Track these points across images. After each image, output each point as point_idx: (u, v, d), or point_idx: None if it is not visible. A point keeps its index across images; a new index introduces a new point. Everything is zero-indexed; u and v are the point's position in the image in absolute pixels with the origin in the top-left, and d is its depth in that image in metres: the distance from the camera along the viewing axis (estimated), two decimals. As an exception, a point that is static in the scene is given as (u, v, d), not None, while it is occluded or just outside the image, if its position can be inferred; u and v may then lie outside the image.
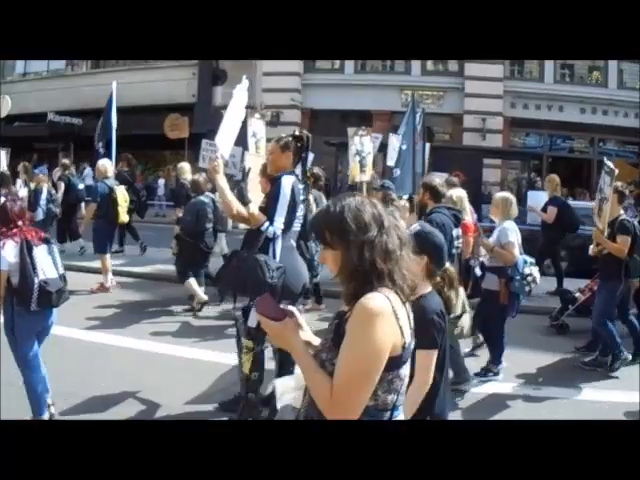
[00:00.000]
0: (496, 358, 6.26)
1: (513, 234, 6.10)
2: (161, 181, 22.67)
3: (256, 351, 4.76)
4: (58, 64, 25.62)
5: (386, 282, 1.98)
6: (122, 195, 9.68)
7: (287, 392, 2.26)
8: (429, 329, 2.87)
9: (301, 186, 5.03)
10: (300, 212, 5.02)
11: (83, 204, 11.90)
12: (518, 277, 6.00)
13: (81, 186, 12.53)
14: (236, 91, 5.84)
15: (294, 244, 5.07)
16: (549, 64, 20.70)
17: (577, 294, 8.04)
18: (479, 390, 6.01)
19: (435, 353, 2.90)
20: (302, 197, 5.07)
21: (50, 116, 22.49)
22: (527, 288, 6.10)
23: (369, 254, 1.98)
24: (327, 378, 1.96)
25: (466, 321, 5.45)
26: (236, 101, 5.83)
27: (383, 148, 11.33)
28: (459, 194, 6.62)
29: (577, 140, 21.74)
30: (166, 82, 20.93)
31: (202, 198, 8.39)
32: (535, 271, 6.14)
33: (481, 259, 6.43)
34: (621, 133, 20.73)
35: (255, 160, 7.08)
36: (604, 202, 6.46)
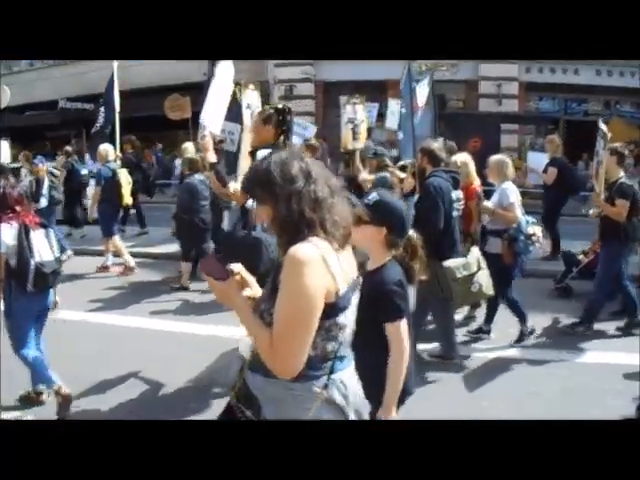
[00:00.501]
0: (522, 318, 6.34)
1: (513, 195, 6.17)
2: (177, 161, 22.46)
3: None
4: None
5: (317, 231, 2.03)
6: (125, 178, 9.79)
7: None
8: (392, 299, 2.82)
9: None
10: None
11: (88, 189, 12.00)
12: (522, 237, 6.06)
13: (84, 171, 12.67)
14: (219, 68, 5.80)
15: None
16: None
17: (580, 256, 8.04)
18: (481, 354, 6.07)
19: (403, 322, 2.83)
20: None
21: (61, 103, 22.43)
22: (531, 248, 6.18)
23: (297, 204, 2.03)
24: (266, 329, 2.03)
25: (483, 278, 5.62)
26: (220, 78, 5.79)
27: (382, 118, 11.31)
28: (463, 159, 6.70)
29: (592, 103, 21.36)
30: (176, 62, 20.68)
31: (197, 176, 8.48)
32: (538, 230, 6.24)
33: (482, 223, 6.47)
34: (638, 94, 20.30)
35: (248, 134, 7.04)
36: (600, 165, 6.46)
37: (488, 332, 6.46)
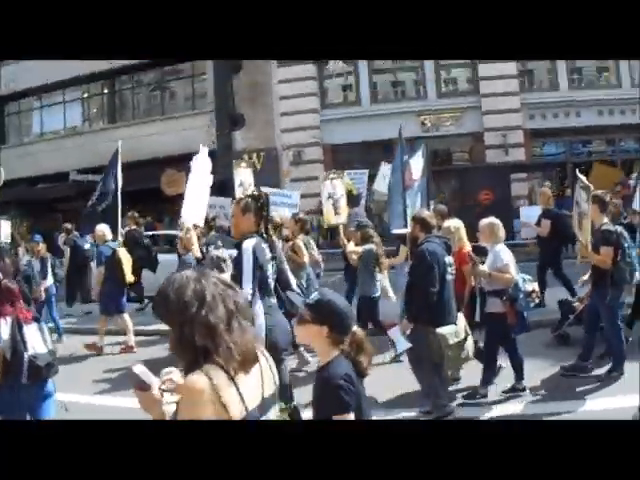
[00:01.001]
0: (519, 373, 6.47)
1: (506, 255, 6.32)
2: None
3: (290, 409, 4.77)
4: (74, 121, 25.86)
5: (212, 358, 2.03)
6: (125, 256, 9.88)
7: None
8: (337, 393, 2.81)
9: (264, 245, 5.03)
10: (271, 270, 5.07)
11: (93, 264, 12.07)
12: (522, 296, 6.20)
13: (87, 246, 12.74)
14: (194, 161, 5.96)
15: (275, 302, 5.13)
16: (561, 72, 20.50)
17: (576, 303, 8.08)
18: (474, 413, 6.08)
19: (350, 417, 2.82)
20: (269, 255, 5.08)
21: (72, 175, 22.60)
22: (532, 304, 6.34)
23: (189, 331, 2.02)
24: None
25: (470, 344, 5.94)
26: (196, 171, 5.93)
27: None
28: (456, 224, 7.07)
29: (595, 143, 21.48)
30: (184, 131, 20.99)
31: (189, 256, 8.48)
32: (535, 286, 6.45)
33: (479, 285, 6.62)
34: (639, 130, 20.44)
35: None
36: (583, 217, 6.60)
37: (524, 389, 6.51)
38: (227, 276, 5.23)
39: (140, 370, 2.27)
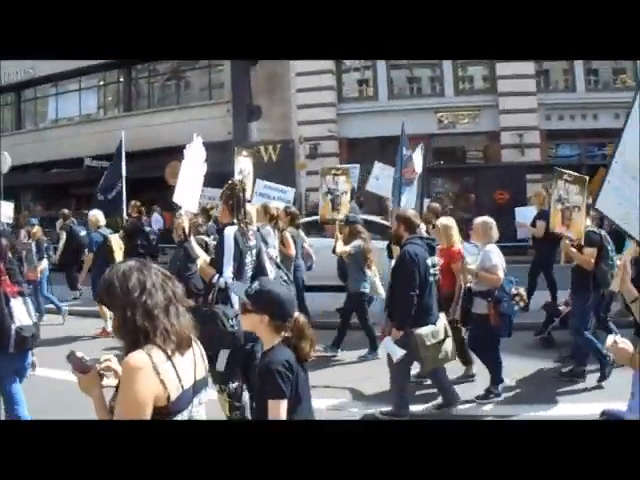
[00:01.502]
0: (496, 379, 6.39)
1: (496, 256, 6.29)
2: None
3: (229, 391, 4.92)
4: (89, 108, 25.96)
5: (152, 339, 2.24)
6: (117, 243, 9.96)
7: None
8: (273, 379, 2.96)
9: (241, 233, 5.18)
10: (250, 258, 5.20)
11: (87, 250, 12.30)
12: (506, 298, 6.20)
13: (82, 233, 12.87)
14: (188, 149, 6.02)
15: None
16: (578, 73, 20.43)
17: (561, 307, 8.11)
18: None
19: (283, 402, 2.96)
20: (250, 242, 5.23)
21: (87, 161, 22.68)
22: (516, 307, 6.32)
23: (131, 314, 2.25)
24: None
25: (449, 345, 5.92)
26: (190, 159, 5.99)
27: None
28: (445, 222, 7.01)
29: (609, 146, 21.34)
30: (199, 121, 21.00)
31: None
32: (522, 290, 6.43)
33: (468, 285, 6.60)
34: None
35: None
36: (574, 210, 6.51)
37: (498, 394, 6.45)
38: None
39: (81, 354, 2.46)
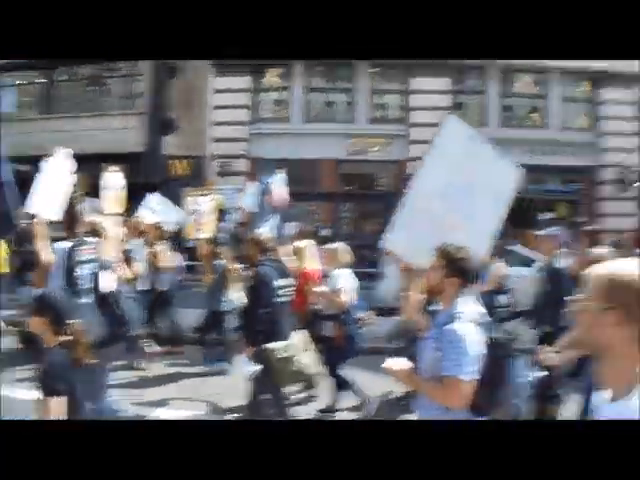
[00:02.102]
0: (337, 395, 6.79)
1: (342, 281, 6.62)
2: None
3: None
4: (9, 108, 25.24)
5: None
6: (2, 247, 9.87)
7: None
8: (44, 379, 3.55)
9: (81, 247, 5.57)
10: (86, 271, 5.46)
11: None
12: (350, 321, 6.58)
13: None
14: (45, 162, 6.16)
15: (88, 301, 5.45)
16: (492, 108, 21.06)
17: None
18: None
19: (53, 400, 3.44)
20: (83, 258, 5.54)
21: (1, 162, 22.08)
22: (360, 331, 6.72)
23: None
24: None
25: (306, 358, 6.10)
26: (52, 168, 6.15)
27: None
28: (300, 245, 7.43)
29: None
30: (115, 130, 20.80)
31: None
32: (367, 314, 6.88)
33: (318, 307, 6.89)
34: (564, 172, 20.94)
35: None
36: None
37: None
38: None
39: None
